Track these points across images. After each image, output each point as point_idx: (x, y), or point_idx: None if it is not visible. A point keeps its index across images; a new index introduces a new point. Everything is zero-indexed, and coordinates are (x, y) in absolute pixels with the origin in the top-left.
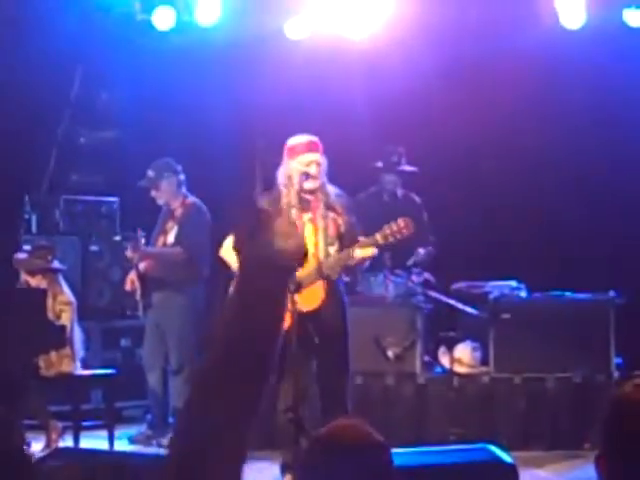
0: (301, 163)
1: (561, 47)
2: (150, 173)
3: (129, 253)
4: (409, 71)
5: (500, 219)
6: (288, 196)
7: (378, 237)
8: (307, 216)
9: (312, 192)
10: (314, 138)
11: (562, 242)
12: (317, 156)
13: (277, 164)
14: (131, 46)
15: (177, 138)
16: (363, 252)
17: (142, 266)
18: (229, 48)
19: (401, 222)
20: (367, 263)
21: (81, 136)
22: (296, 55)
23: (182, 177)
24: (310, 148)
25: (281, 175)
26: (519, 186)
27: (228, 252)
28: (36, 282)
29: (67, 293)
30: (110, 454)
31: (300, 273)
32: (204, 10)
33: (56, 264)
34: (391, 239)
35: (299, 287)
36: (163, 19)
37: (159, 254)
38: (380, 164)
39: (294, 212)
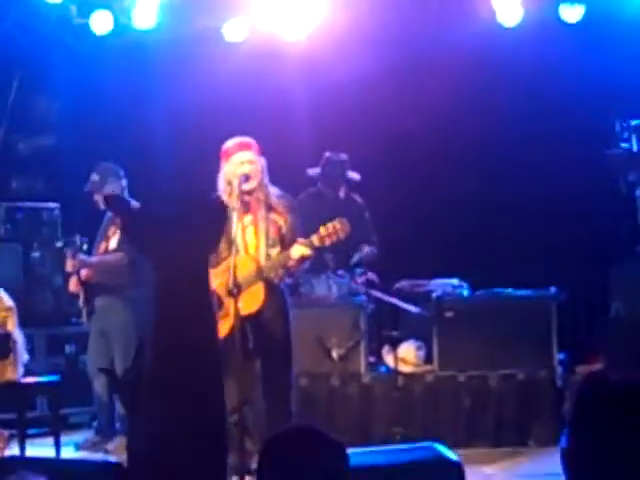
0: (234, 163)
1: (499, 44)
2: (94, 177)
3: (68, 264)
4: (348, 70)
5: (441, 217)
6: (229, 202)
7: (314, 239)
8: (248, 218)
9: (250, 193)
10: (247, 139)
11: (503, 239)
12: (248, 154)
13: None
14: (68, 50)
15: (116, 142)
16: (299, 253)
17: (83, 274)
18: (167, 51)
19: (337, 224)
20: (306, 264)
21: (19, 142)
22: (235, 57)
23: (125, 182)
24: (240, 147)
25: (221, 182)
26: (460, 184)
27: None
28: None
29: (5, 298)
30: (57, 461)
31: (240, 276)
32: (142, 13)
33: None
34: (327, 241)
35: (239, 290)
36: (100, 23)
37: (99, 262)
38: (319, 171)
39: (235, 215)
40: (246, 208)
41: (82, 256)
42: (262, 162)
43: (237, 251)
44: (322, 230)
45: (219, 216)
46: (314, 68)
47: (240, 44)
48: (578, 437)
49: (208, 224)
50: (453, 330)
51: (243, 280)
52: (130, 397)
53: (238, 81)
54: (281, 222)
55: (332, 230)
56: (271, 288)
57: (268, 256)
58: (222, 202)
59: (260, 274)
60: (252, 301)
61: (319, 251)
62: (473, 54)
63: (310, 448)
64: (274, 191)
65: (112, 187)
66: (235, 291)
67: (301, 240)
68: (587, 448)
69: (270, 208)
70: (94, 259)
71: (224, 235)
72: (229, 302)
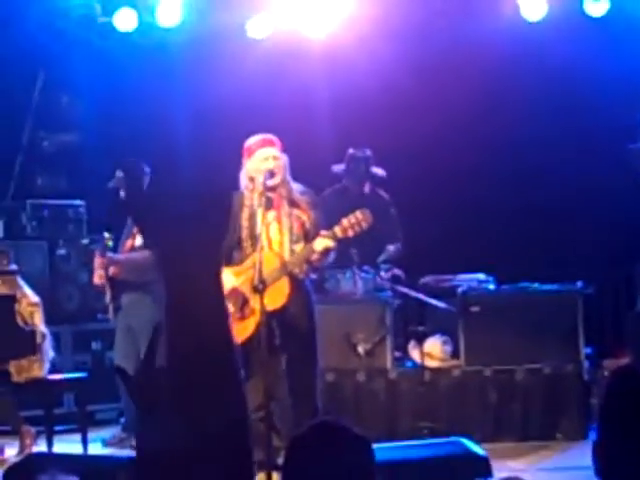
0: (258, 159)
1: (523, 39)
2: (119, 173)
3: (96, 260)
4: (371, 68)
5: (467, 213)
6: (251, 198)
7: (337, 230)
8: (272, 214)
9: (274, 189)
10: (269, 135)
11: (529, 233)
12: (273, 150)
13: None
14: (93, 48)
15: (139, 140)
16: (323, 245)
17: (110, 270)
18: (191, 48)
19: (359, 214)
20: (331, 258)
21: (44, 140)
22: (258, 54)
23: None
24: (264, 144)
25: (243, 178)
26: (485, 179)
27: None
28: None
29: (31, 294)
30: (84, 458)
31: (265, 272)
32: (166, 11)
33: (13, 267)
34: (350, 232)
35: (264, 286)
36: (125, 21)
37: (126, 260)
38: (343, 168)
39: (259, 212)
40: (269, 204)
41: (110, 254)
42: (285, 158)
43: (262, 247)
44: (344, 221)
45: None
46: (336, 65)
47: (263, 41)
48: (608, 431)
49: (221, 222)
50: (479, 325)
51: (268, 276)
52: (142, 396)
53: (261, 78)
54: (304, 218)
55: (354, 221)
56: (296, 283)
57: (292, 252)
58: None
59: (284, 269)
60: (277, 297)
61: (344, 246)
62: (497, 49)
63: (335, 443)
64: (297, 187)
65: (137, 183)
66: (261, 287)
67: (324, 232)
68: (616, 441)
69: (293, 204)
70: (121, 257)
71: (248, 231)
72: (255, 299)
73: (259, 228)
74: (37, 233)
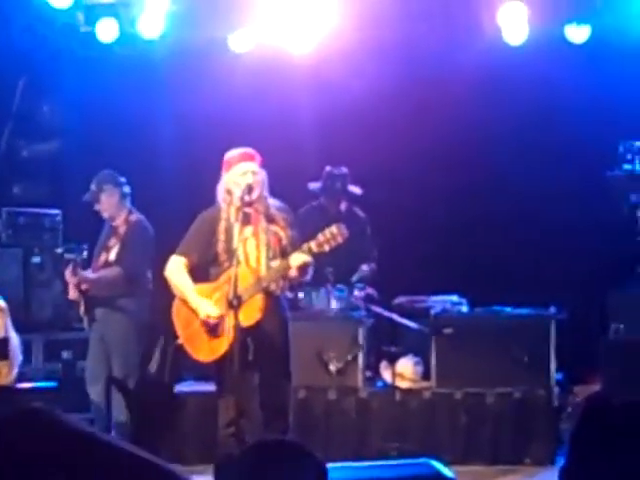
0: (237, 173)
1: (504, 62)
2: (92, 187)
3: (68, 277)
4: (353, 84)
5: (442, 234)
6: (228, 211)
7: (312, 245)
8: (249, 230)
9: (251, 204)
10: (249, 149)
11: (503, 257)
12: (252, 165)
13: None
14: (74, 57)
15: (120, 149)
16: (298, 260)
17: (82, 287)
18: (173, 60)
19: (334, 229)
20: (308, 276)
21: (23, 148)
22: (240, 68)
23: (126, 189)
24: (244, 158)
25: (220, 190)
26: (462, 201)
27: (172, 274)
28: None
29: None
30: None
31: (240, 287)
32: (147, 22)
33: None
34: (326, 247)
35: (240, 301)
36: (106, 31)
37: (97, 279)
38: (320, 185)
39: (236, 227)
40: (247, 220)
41: (82, 272)
42: (264, 174)
43: (238, 262)
44: (320, 236)
45: None
46: (319, 81)
47: (246, 55)
48: (576, 456)
49: None
50: (451, 347)
51: (244, 292)
52: (139, 410)
53: (243, 92)
54: (282, 234)
55: (330, 235)
56: (271, 300)
57: (269, 267)
58: None
59: (260, 285)
60: (252, 313)
61: (319, 265)
62: (479, 72)
63: (286, 461)
64: (273, 203)
65: (109, 195)
66: (235, 302)
67: (300, 248)
68: (586, 468)
69: (270, 220)
70: (92, 276)
71: (225, 245)
72: (229, 315)
73: (235, 243)
74: (12, 241)
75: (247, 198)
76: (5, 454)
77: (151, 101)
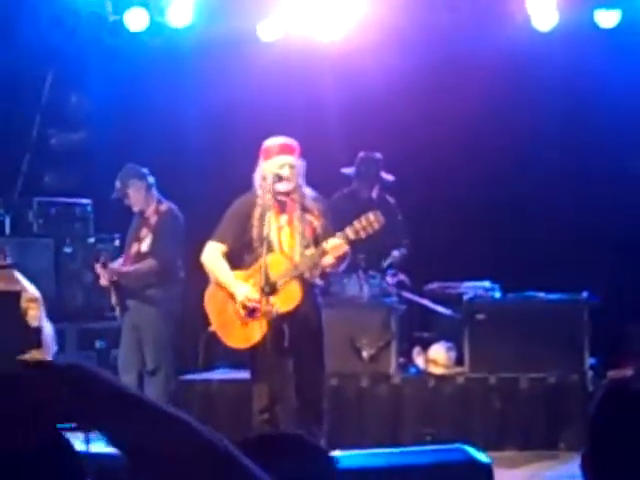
0: (274, 165)
1: (533, 48)
2: (117, 184)
3: (98, 270)
4: (381, 73)
5: (474, 220)
6: (263, 198)
7: (349, 232)
8: (284, 218)
9: (287, 194)
10: (290, 140)
11: (536, 242)
12: (291, 159)
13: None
14: (102, 47)
15: (149, 139)
16: (335, 247)
17: (114, 278)
18: (202, 49)
19: (371, 216)
20: (343, 266)
21: (52, 138)
22: (269, 57)
23: (150, 180)
24: (283, 150)
25: (257, 176)
26: (493, 187)
27: (209, 259)
28: None
29: (30, 289)
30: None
31: (274, 274)
32: (177, 11)
33: (9, 261)
34: (362, 234)
35: (274, 288)
36: (135, 20)
37: (131, 272)
38: (354, 170)
39: (270, 215)
40: (282, 208)
41: (112, 265)
42: (301, 164)
43: (271, 250)
44: (356, 223)
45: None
46: (347, 68)
47: (274, 44)
48: (596, 443)
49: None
50: (484, 332)
51: (278, 278)
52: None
53: (272, 81)
54: (316, 223)
55: (366, 223)
56: (307, 286)
57: (303, 255)
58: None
59: (296, 271)
60: (290, 299)
61: (351, 251)
62: (507, 58)
63: (288, 454)
64: (309, 192)
65: (135, 189)
66: (267, 290)
67: (337, 234)
68: (604, 454)
69: (305, 209)
70: (126, 269)
71: (258, 231)
72: (264, 301)
73: (267, 229)
74: (44, 231)
75: (278, 187)
76: (44, 405)
77: (179, 90)
